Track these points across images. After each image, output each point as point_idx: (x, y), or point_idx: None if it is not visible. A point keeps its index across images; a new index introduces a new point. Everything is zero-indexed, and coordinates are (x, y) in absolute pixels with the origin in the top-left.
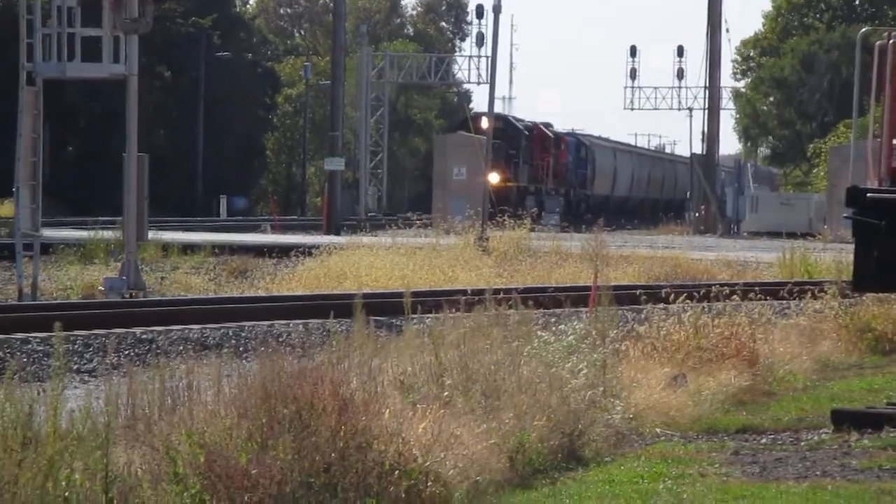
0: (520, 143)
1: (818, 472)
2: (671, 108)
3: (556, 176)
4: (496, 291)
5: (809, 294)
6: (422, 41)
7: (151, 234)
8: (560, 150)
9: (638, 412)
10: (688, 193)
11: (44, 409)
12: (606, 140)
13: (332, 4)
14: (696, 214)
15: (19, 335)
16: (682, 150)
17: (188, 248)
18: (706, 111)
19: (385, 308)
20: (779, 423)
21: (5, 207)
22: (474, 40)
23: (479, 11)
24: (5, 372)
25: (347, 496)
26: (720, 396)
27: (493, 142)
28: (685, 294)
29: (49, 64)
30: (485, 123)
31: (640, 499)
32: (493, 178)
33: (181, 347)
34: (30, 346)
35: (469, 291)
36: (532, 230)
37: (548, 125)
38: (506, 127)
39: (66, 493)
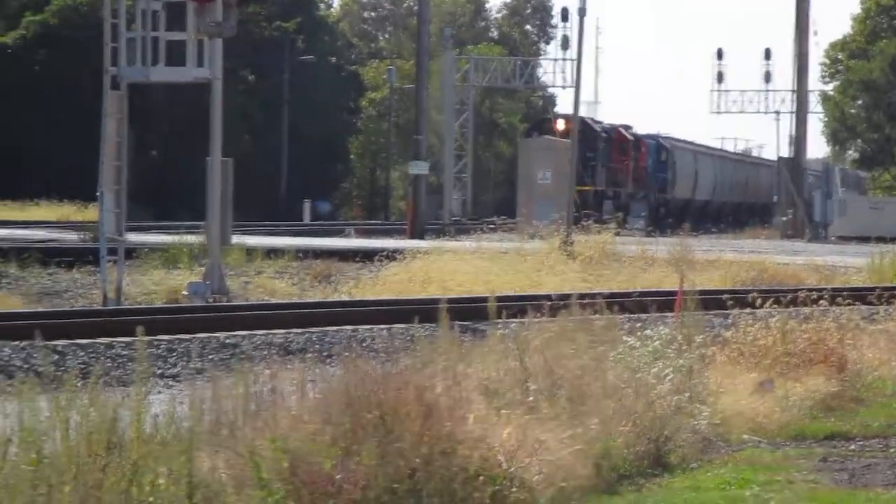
0: (597, 145)
1: None
2: (758, 112)
3: (636, 179)
4: (581, 296)
5: None
6: (506, 44)
7: (235, 239)
8: (639, 152)
9: (724, 418)
10: (774, 197)
11: (128, 413)
12: (688, 143)
13: (416, 8)
14: (784, 219)
15: (104, 340)
16: (770, 154)
17: (272, 253)
18: (794, 114)
19: (470, 313)
20: (868, 429)
21: (90, 212)
22: (559, 43)
23: (564, 14)
24: (90, 377)
25: (432, 502)
26: (808, 402)
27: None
28: (772, 299)
29: (133, 68)
30: (560, 125)
31: None
32: None
33: (265, 352)
34: (114, 350)
35: (554, 296)
36: (617, 234)
37: (627, 127)
38: (583, 129)
39: (151, 499)
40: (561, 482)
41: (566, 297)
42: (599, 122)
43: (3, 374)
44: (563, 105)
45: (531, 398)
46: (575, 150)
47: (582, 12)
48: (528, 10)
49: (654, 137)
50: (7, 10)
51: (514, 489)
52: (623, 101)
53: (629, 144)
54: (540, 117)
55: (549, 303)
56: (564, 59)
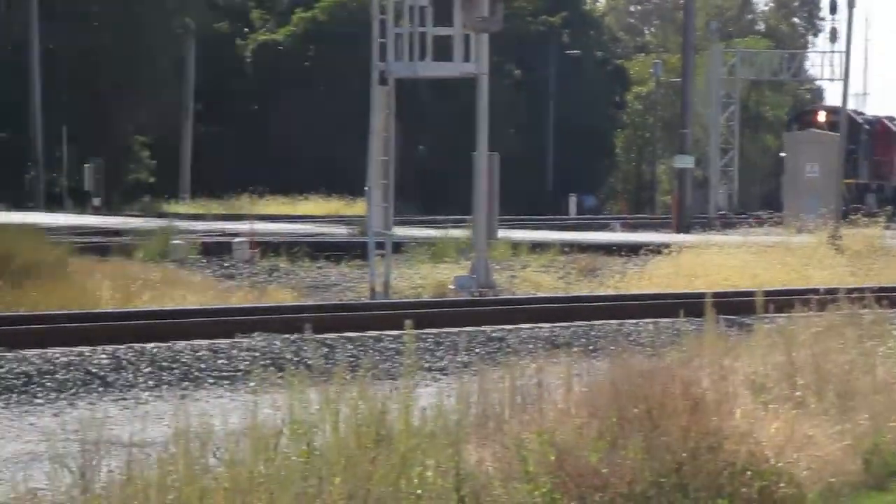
0: (859, 137)
1: None
2: None
3: None
4: (849, 290)
5: None
6: (773, 37)
7: (501, 233)
8: None
9: None
10: None
11: (396, 406)
12: None
13: (682, 1)
14: None
15: (372, 333)
16: None
17: (537, 247)
18: None
19: (736, 307)
20: None
21: (358, 206)
22: (828, 35)
23: (833, 6)
24: (359, 369)
25: (699, 496)
26: None
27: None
28: None
29: (401, 63)
30: (821, 117)
31: None
32: None
33: (531, 346)
34: (382, 343)
35: (821, 290)
36: (887, 228)
37: (892, 119)
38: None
39: (419, 491)
40: (829, 478)
41: (834, 291)
42: (861, 114)
43: (275, 366)
44: (831, 97)
45: (798, 393)
46: (843, 144)
47: (851, 4)
48: (796, 3)
49: None
50: (278, 8)
51: (781, 484)
52: (893, 92)
53: (893, 136)
54: (798, 110)
55: (817, 297)
56: (833, 52)
